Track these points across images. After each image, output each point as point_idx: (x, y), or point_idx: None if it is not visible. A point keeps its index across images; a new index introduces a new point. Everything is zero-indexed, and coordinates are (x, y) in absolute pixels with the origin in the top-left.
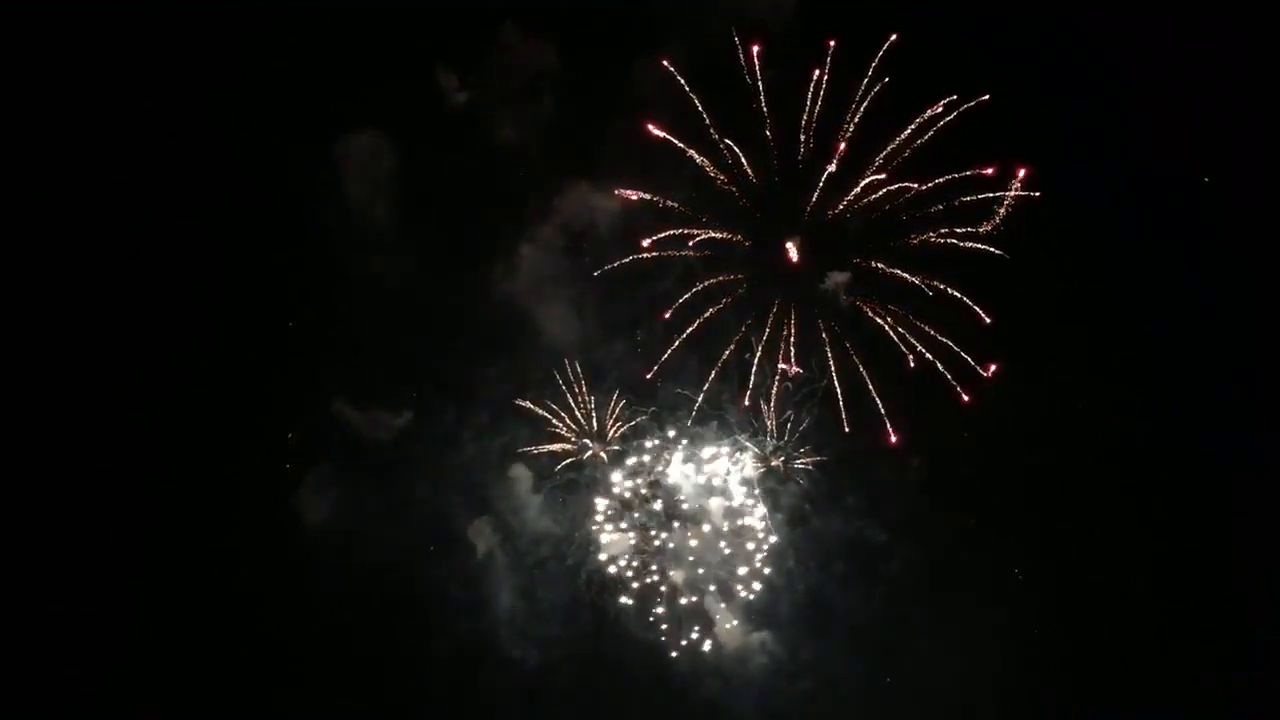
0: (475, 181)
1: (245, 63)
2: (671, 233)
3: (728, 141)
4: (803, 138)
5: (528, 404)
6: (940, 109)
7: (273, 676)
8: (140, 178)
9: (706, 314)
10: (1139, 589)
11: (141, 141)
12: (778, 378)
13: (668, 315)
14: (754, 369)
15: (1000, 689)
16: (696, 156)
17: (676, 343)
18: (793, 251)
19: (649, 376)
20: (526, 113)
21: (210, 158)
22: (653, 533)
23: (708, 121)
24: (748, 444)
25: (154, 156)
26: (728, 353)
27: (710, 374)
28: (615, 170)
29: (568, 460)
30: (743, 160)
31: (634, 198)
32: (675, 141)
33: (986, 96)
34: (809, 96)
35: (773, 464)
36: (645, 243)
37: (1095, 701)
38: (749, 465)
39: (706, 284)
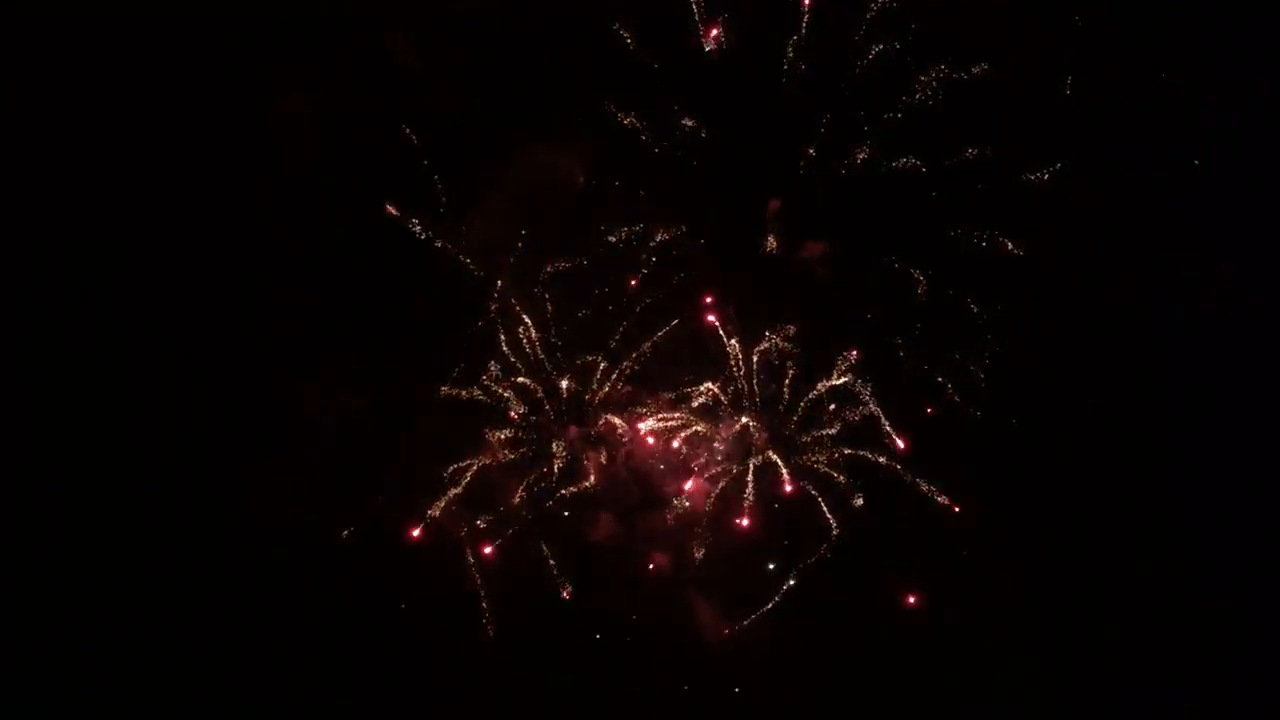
0: (424, 147)
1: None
2: (635, 228)
3: (686, 123)
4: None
5: (483, 390)
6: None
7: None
8: (61, 142)
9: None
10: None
11: (63, 102)
12: (757, 353)
13: (635, 285)
14: (731, 344)
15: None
16: (660, 146)
17: (657, 323)
18: (771, 238)
19: (626, 362)
20: (475, 76)
21: (134, 118)
22: (630, 516)
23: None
24: (719, 425)
25: (75, 118)
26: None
27: (686, 349)
28: (575, 141)
29: (542, 445)
30: (702, 133)
31: (594, 182)
32: (638, 122)
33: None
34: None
35: (756, 445)
36: (611, 237)
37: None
38: (731, 443)
39: (677, 263)
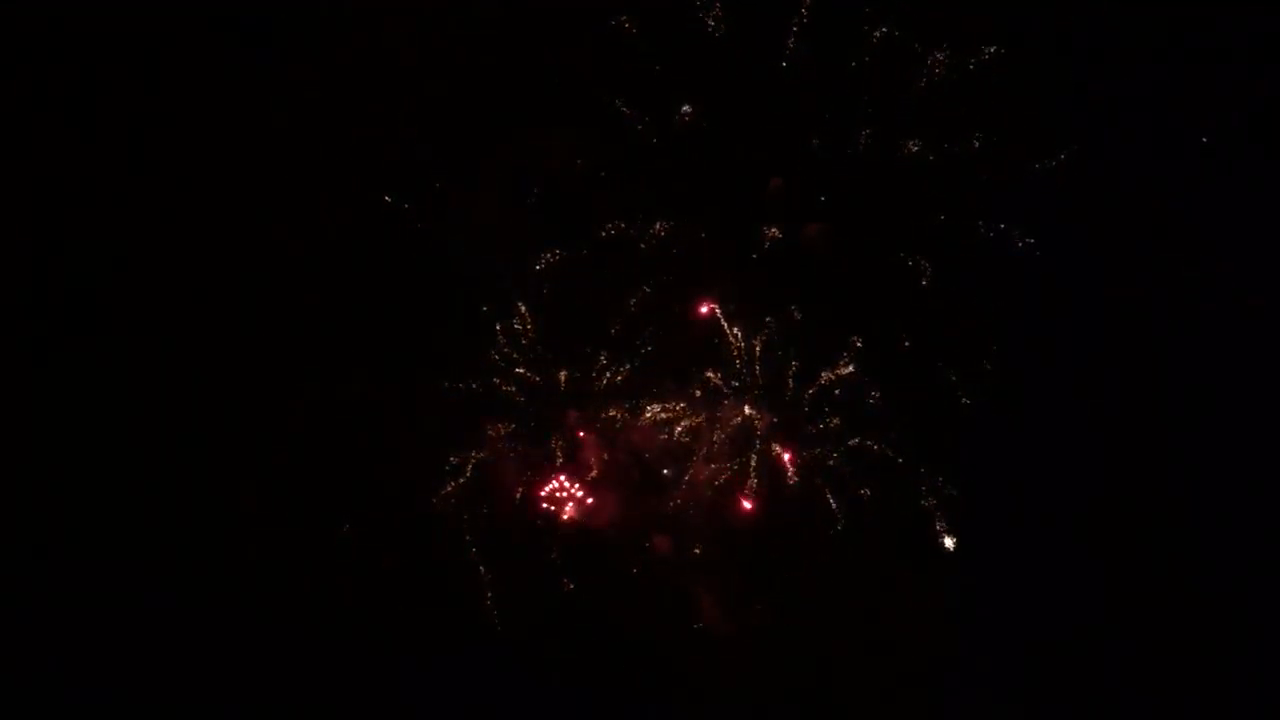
0: (422, 140)
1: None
2: (636, 218)
3: (686, 109)
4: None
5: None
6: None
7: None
8: (54, 140)
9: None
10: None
11: (57, 100)
12: (759, 341)
13: (636, 274)
14: (734, 332)
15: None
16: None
17: (657, 312)
18: (773, 226)
19: (627, 351)
20: (472, 68)
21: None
22: (630, 505)
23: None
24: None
25: (69, 116)
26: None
27: (687, 337)
28: (574, 129)
29: (542, 435)
30: (703, 121)
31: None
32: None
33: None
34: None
35: (759, 434)
36: (610, 226)
37: None
38: (733, 432)
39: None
